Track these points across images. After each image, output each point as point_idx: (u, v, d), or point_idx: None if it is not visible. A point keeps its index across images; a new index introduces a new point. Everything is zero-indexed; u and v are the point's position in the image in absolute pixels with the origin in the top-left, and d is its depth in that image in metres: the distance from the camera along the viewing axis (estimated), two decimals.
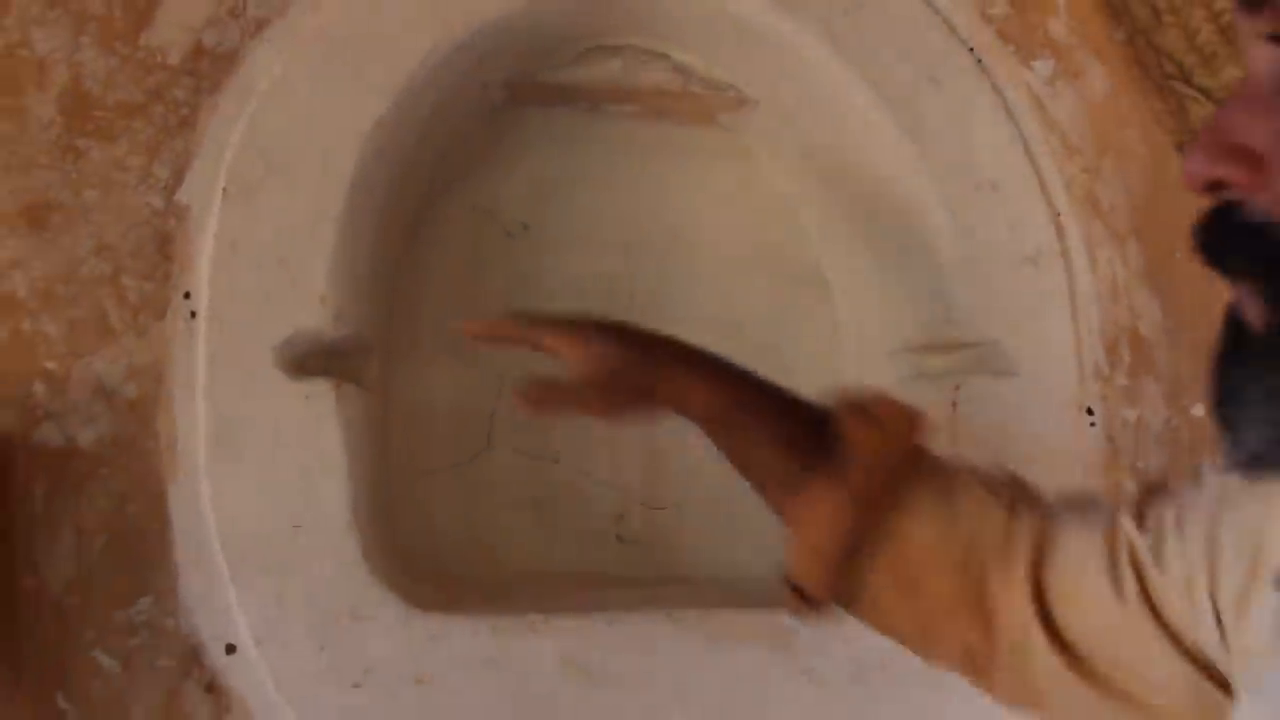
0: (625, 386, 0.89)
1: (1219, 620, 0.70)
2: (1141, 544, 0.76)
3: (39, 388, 1.05)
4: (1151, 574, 0.75)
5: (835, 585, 0.83)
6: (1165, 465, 1.30)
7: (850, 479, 0.82)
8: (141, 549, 1.06)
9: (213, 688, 1.07)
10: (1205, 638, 0.71)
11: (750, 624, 1.15)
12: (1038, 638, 0.78)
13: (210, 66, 1.11)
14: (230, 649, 1.07)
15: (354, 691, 1.08)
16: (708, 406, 0.90)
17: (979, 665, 0.82)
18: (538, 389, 0.90)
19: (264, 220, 1.10)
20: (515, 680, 1.10)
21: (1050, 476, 1.24)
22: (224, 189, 1.09)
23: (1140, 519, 0.78)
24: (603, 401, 0.90)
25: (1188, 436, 1.32)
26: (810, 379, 1.39)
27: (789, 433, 0.87)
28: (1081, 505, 0.84)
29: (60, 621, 1.04)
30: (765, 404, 0.91)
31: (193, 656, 1.07)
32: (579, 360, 0.89)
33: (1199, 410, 1.32)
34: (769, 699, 1.15)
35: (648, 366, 0.90)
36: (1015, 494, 0.85)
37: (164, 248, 1.09)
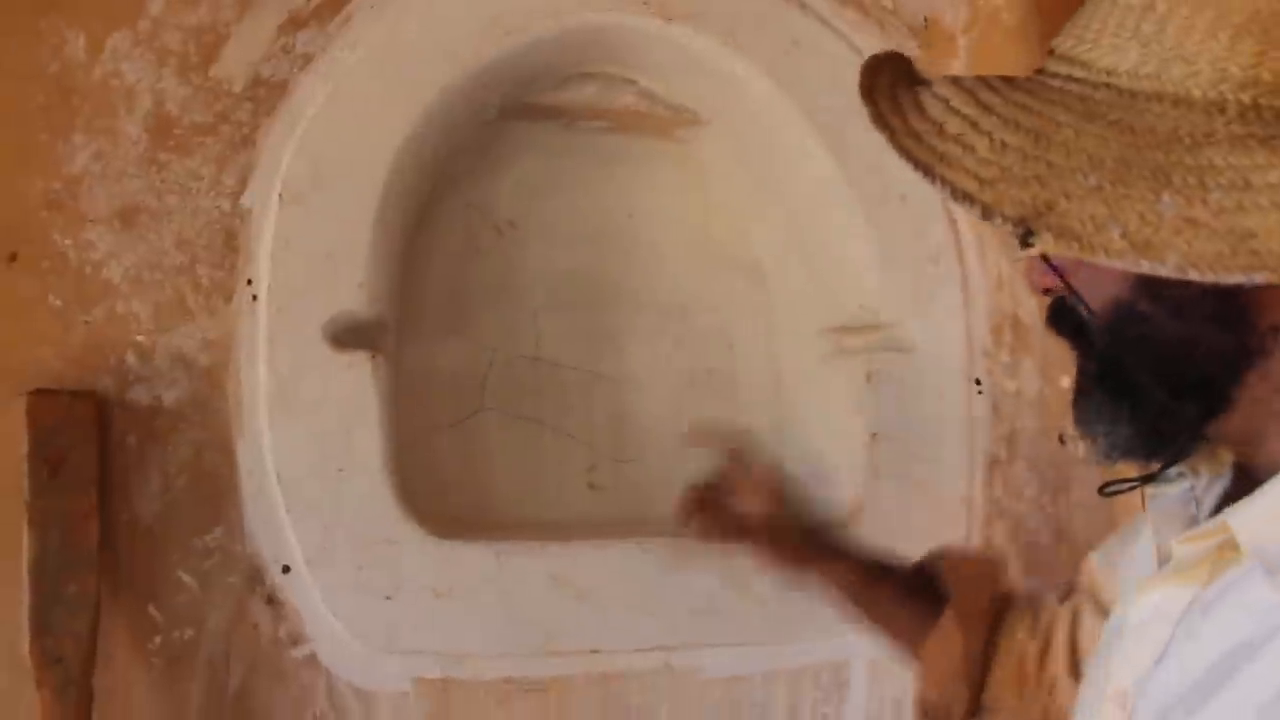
0: (785, 556, 1.27)
1: None
2: None
3: (131, 357, 1.29)
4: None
5: (972, 701, 1.12)
6: (1036, 426, 1.60)
7: (964, 622, 1.11)
8: (214, 488, 1.31)
9: (272, 600, 1.32)
10: None
11: (704, 548, 1.43)
12: None
13: (267, 94, 1.35)
14: (286, 569, 1.32)
15: (386, 603, 1.33)
16: (848, 584, 1.23)
17: None
18: (707, 518, 1.28)
19: (312, 220, 1.34)
20: (514, 594, 1.37)
21: (946, 434, 1.55)
22: (279, 195, 1.33)
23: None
24: (766, 559, 1.29)
25: (1056, 403, 1.61)
26: (748, 353, 1.68)
27: (907, 595, 1.19)
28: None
29: (150, 547, 1.28)
30: (887, 576, 1.23)
31: (256, 575, 1.32)
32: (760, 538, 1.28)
33: (1065, 382, 1.61)
34: (719, 611, 1.42)
35: (806, 552, 1.26)
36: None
37: (230, 242, 1.33)
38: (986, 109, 0.74)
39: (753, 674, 1.46)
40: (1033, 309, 1.60)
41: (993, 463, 1.57)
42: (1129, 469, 0.85)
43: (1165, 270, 0.66)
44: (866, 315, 1.58)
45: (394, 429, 1.39)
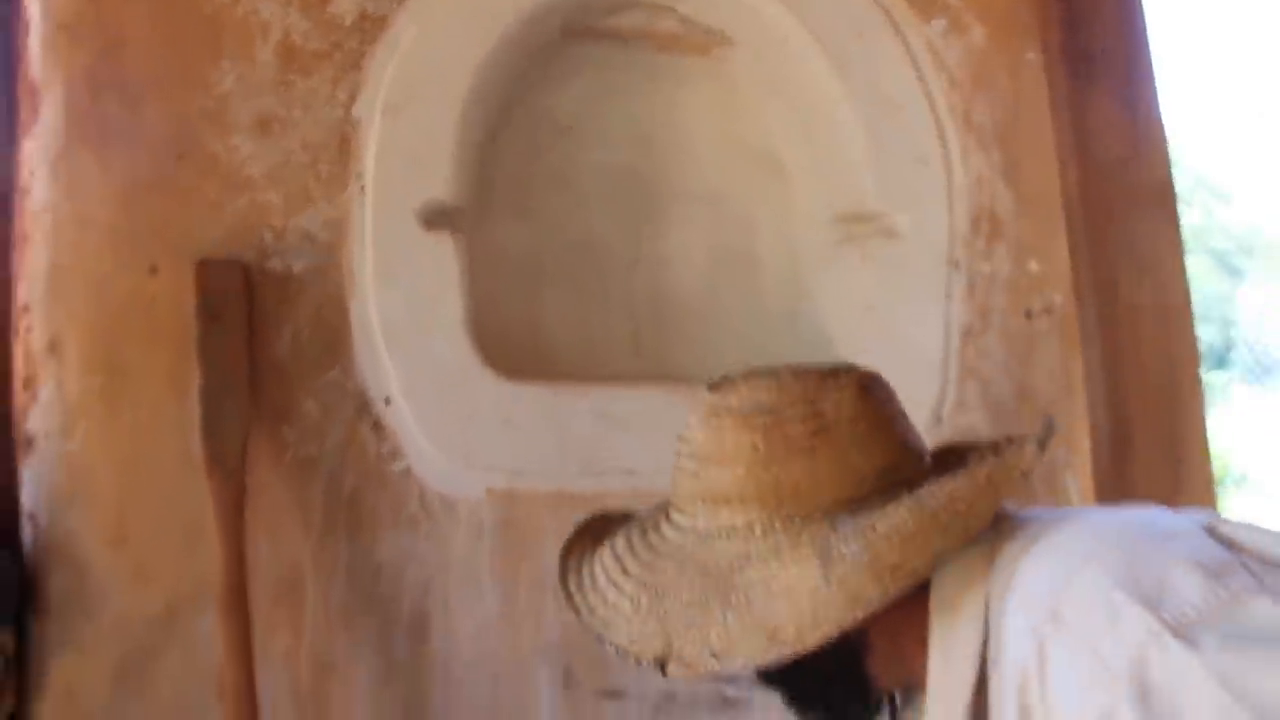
0: None
1: None
2: None
3: (267, 235, 1.66)
4: None
5: None
6: (1007, 303, 1.89)
7: None
8: (332, 337, 1.68)
9: (376, 425, 1.69)
10: None
11: None
12: None
13: (371, 26, 1.69)
14: (387, 401, 1.69)
15: (464, 429, 1.70)
16: None
17: None
18: None
19: (408, 128, 1.69)
20: (565, 424, 1.73)
21: (928, 304, 1.84)
22: (382, 108, 1.68)
23: None
24: None
25: (1024, 284, 1.90)
26: (768, 236, 1.99)
27: None
28: None
29: (284, 382, 1.66)
30: None
31: (364, 405, 1.69)
32: None
33: (1034, 266, 1.90)
34: None
35: None
36: None
37: (344, 146, 1.68)
38: (627, 574, 1.09)
39: None
40: (1008, 204, 1.89)
41: (966, 333, 1.87)
42: None
43: (736, 667, 0.99)
44: (867, 206, 1.88)
45: (471, 293, 1.73)
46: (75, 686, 1.55)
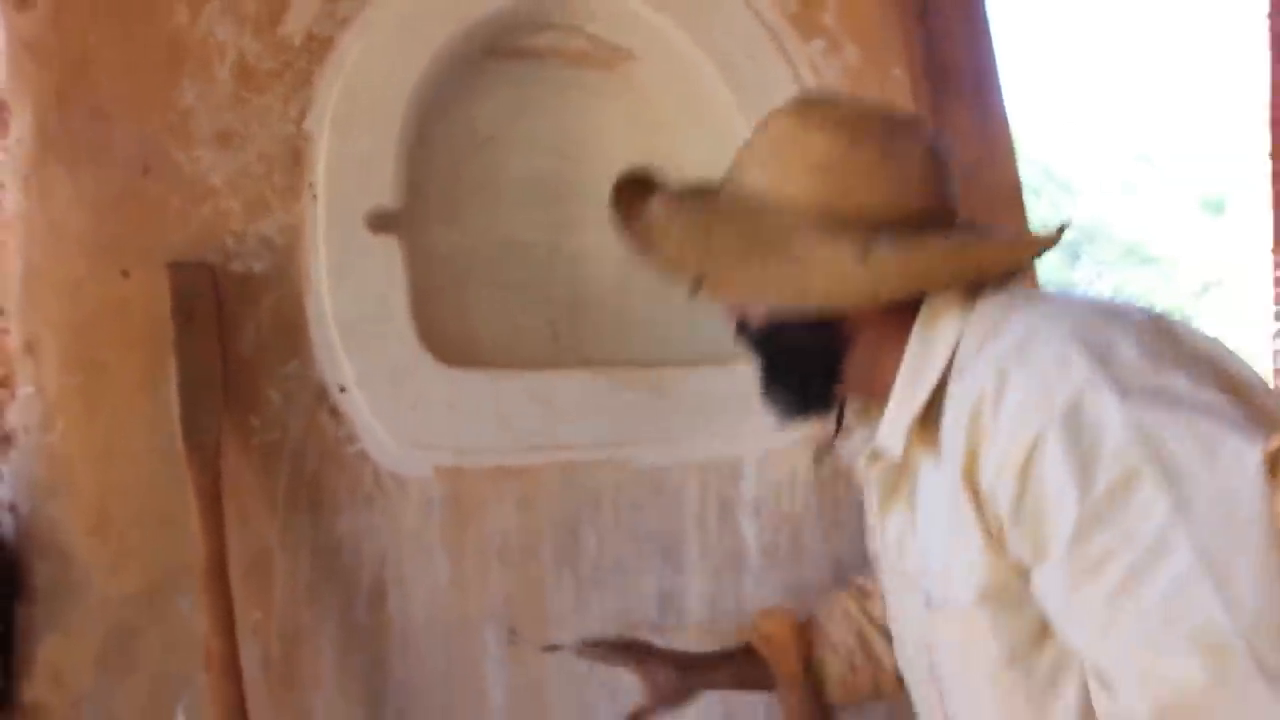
0: (678, 693, 1.72)
1: None
2: None
3: (229, 240, 1.80)
4: None
5: (815, 708, 1.67)
6: None
7: (789, 686, 1.67)
8: (292, 330, 1.82)
9: (334, 412, 1.85)
10: None
11: (637, 376, 1.98)
12: None
13: (319, 47, 1.84)
14: (342, 389, 1.85)
15: (412, 413, 1.87)
16: (725, 685, 1.75)
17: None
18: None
19: (355, 140, 1.85)
20: (503, 406, 1.92)
21: None
22: (330, 122, 1.84)
23: None
24: (672, 702, 1.72)
25: None
26: None
27: (750, 670, 1.71)
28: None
29: (248, 373, 1.80)
30: (737, 665, 1.74)
31: (322, 393, 1.84)
32: (652, 678, 1.71)
33: None
34: (649, 417, 1.98)
35: (683, 679, 1.72)
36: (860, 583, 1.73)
37: (297, 157, 1.84)
38: (680, 211, 1.31)
39: (672, 464, 2.02)
40: None
41: None
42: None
43: (759, 304, 1.25)
44: None
45: (414, 289, 1.91)
46: (61, 667, 1.68)
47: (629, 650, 1.74)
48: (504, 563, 1.92)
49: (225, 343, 1.78)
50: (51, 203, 1.72)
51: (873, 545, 1.49)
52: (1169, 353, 1.03)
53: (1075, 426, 0.98)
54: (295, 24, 1.84)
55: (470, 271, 2.11)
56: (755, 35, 2.08)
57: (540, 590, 1.94)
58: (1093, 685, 1.03)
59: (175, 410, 1.71)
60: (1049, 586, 1.03)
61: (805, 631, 1.70)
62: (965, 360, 1.15)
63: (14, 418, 1.71)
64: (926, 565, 1.23)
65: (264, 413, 1.82)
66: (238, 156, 1.81)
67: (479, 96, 2.12)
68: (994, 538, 1.08)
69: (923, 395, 1.18)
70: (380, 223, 1.87)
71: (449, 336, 2.00)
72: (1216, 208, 21.50)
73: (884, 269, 1.15)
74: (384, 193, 1.87)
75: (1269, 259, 3.12)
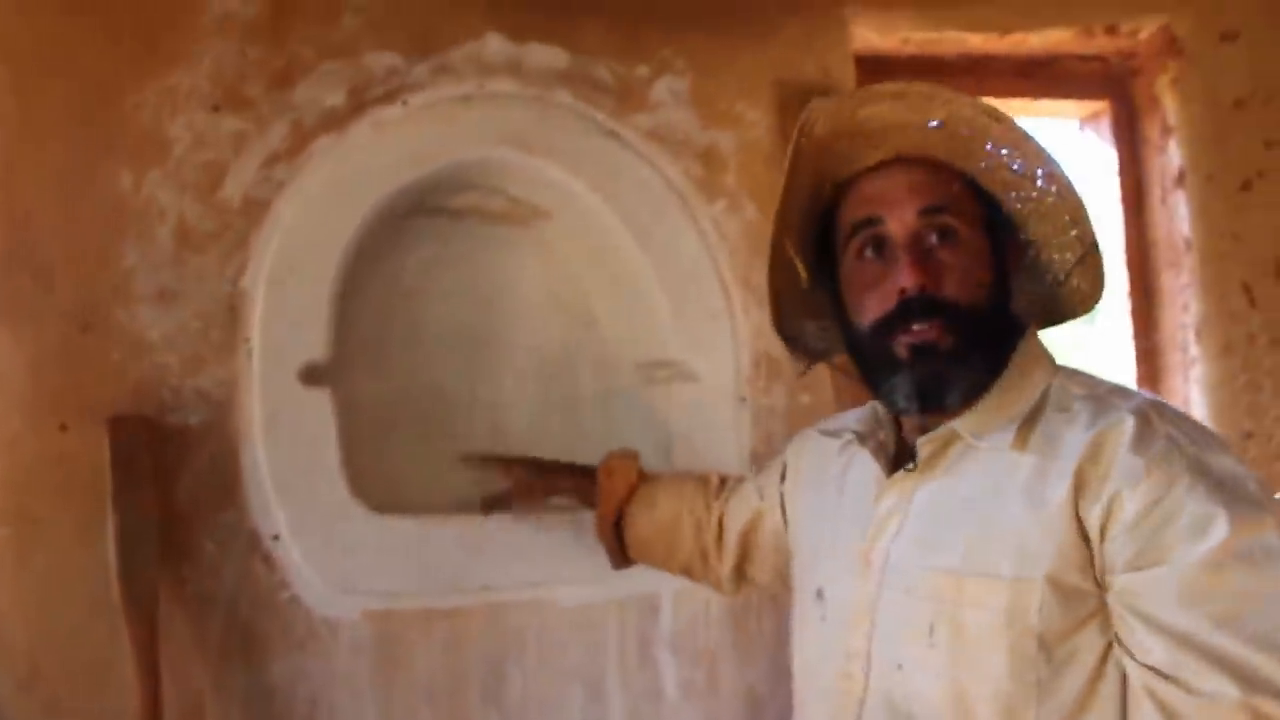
0: (536, 485, 1.94)
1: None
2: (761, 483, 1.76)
3: (166, 393, 1.87)
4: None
5: (616, 546, 1.87)
6: (784, 430, 2.28)
7: (604, 497, 1.85)
8: (227, 481, 1.89)
9: (267, 559, 1.90)
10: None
11: (557, 518, 2.08)
12: (719, 551, 1.77)
13: (256, 209, 1.94)
14: (276, 537, 1.91)
15: (343, 559, 1.94)
16: (566, 491, 1.95)
17: (694, 575, 1.84)
18: (489, 503, 1.98)
19: (289, 297, 1.94)
20: (430, 550, 1.99)
21: (722, 434, 2.20)
22: (266, 280, 1.93)
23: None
24: (526, 495, 1.98)
25: (796, 414, 2.30)
26: (587, 381, 2.32)
27: (588, 487, 1.91)
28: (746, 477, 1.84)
29: (184, 523, 1.86)
30: (580, 479, 1.96)
31: (255, 542, 1.90)
32: (514, 475, 1.98)
33: (805, 399, 2.31)
34: (571, 559, 2.07)
35: (538, 478, 1.96)
36: (723, 479, 1.86)
37: (233, 313, 1.92)
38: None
39: (594, 603, 2.10)
40: (781, 349, 2.29)
41: (753, 456, 2.25)
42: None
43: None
44: (668, 354, 2.25)
45: (344, 439, 1.98)
46: None
47: (502, 460, 2.07)
48: (432, 703, 1.97)
49: (162, 494, 1.83)
50: None
51: (817, 534, 1.54)
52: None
53: (1209, 474, 1.15)
54: (233, 188, 1.94)
55: (395, 419, 2.19)
56: (662, 196, 2.23)
57: None
58: (1153, 682, 1.13)
59: (112, 561, 1.74)
60: (1150, 585, 1.14)
61: (634, 483, 1.92)
62: (1059, 395, 1.30)
63: None
64: (947, 537, 1.29)
65: (199, 562, 1.86)
66: (176, 314, 1.89)
67: (404, 251, 2.22)
68: (1081, 535, 1.19)
69: (1024, 408, 1.29)
70: (312, 376, 1.95)
71: (377, 484, 2.06)
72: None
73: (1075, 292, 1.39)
74: (316, 347, 1.96)
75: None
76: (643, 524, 1.89)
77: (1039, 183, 1.33)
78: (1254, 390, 2.61)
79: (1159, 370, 2.74)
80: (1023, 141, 1.31)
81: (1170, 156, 2.68)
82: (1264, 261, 2.63)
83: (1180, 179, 2.65)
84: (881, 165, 1.35)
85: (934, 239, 1.30)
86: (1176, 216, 2.67)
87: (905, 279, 1.28)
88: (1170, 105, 2.68)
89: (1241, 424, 2.58)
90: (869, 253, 1.33)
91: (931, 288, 1.28)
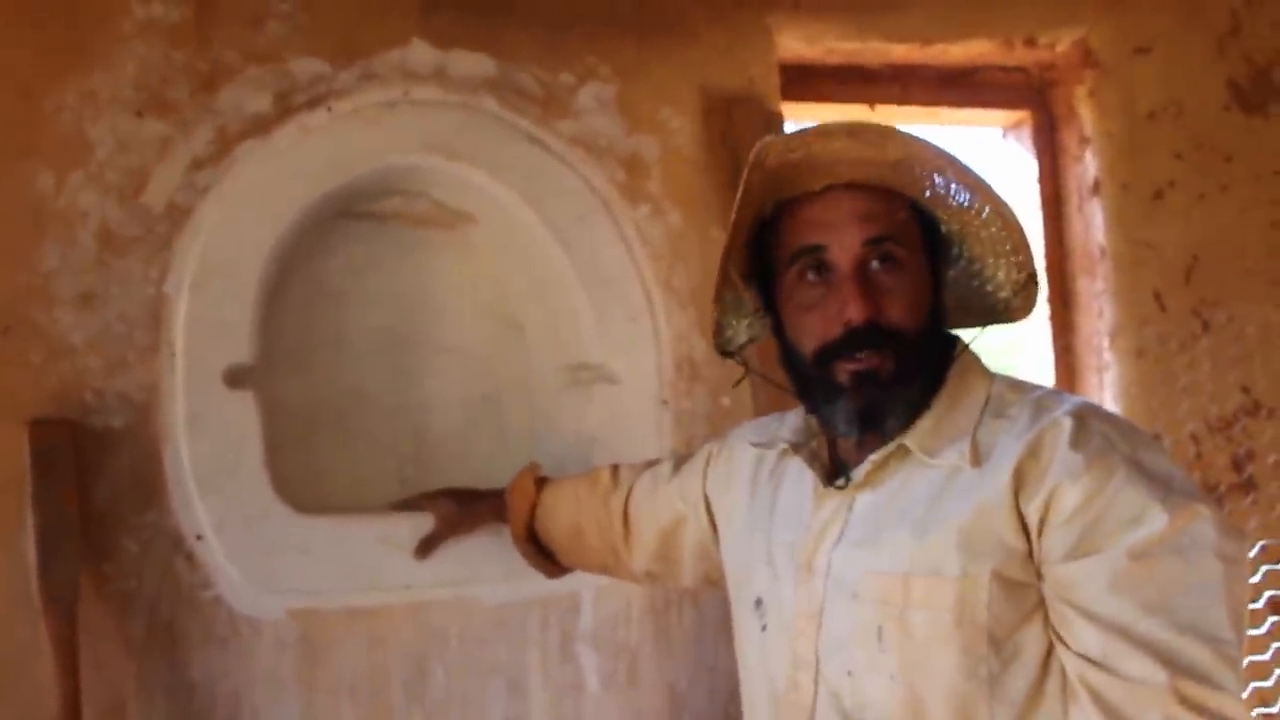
0: (459, 518, 2.01)
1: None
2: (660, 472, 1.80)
3: (89, 396, 1.89)
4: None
5: (540, 560, 1.94)
6: (706, 433, 2.33)
7: (511, 517, 1.93)
8: (149, 484, 1.91)
9: (190, 558, 1.92)
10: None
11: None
12: (627, 545, 1.82)
13: (180, 213, 1.96)
14: (199, 537, 1.93)
15: (265, 558, 1.96)
16: (487, 519, 2.03)
17: (613, 572, 1.90)
18: (423, 546, 2.06)
19: (212, 300, 1.96)
20: (352, 549, 2.02)
21: (644, 436, 2.25)
22: (189, 284, 1.95)
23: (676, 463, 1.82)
24: (452, 529, 2.05)
25: (717, 416, 2.35)
26: (510, 383, 2.35)
27: (500, 506, 1.98)
28: (650, 464, 1.87)
29: (104, 525, 1.87)
30: (497, 503, 2.02)
31: (178, 541, 1.92)
32: (439, 511, 2.05)
33: (725, 401, 2.36)
34: (492, 558, 2.10)
35: (463, 509, 2.05)
36: (614, 473, 1.89)
37: (156, 317, 1.94)
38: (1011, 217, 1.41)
39: (515, 601, 2.14)
40: (703, 352, 2.35)
41: (673, 455, 2.28)
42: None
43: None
44: (590, 357, 2.29)
45: (269, 441, 2.01)
46: None
47: (425, 496, 2.12)
48: (354, 700, 2.00)
49: (83, 495, 1.85)
50: None
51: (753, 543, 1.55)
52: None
53: (1144, 470, 1.20)
54: (157, 193, 1.96)
55: (319, 421, 2.22)
56: (586, 201, 2.26)
57: None
58: (1085, 670, 1.17)
59: (32, 560, 1.76)
60: (1083, 575, 1.18)
61: (534, 498, 1.98)
62: (997, 401, 1.34)
63: None
64: (891, 539, 1.31)
65: (120, 561, 1.88)
66: (99, 317, 1.90)
67: (329, 254, 2.25)
68: (1022, 530, 1.23)
69: (971, 421, 1.33)
70: (237, 378, 1.98)
71: (300, 484, 2.10)
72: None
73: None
74: (240, 350, 1.98)
75: None
76: (554, 533, 1.95)
77: (984, 214, 1.37)
78: (1164, 392, 2.70)
79: (1075, 373, 2.82)
80: (974, 182, 1.34)
81: (1087, 166, 2.76)
82: (1174, 269, 2.72)
83: (1096, 188, 2.73)
84: (826, 190, 1.36)
85: (877, 265, 1.32)
86: (1092, 225, 2.75)
87: (852, 310, 1.30)
88: (1087, 116, 2.76)
89: (1153, 425, 2.66)
90: (811, 275, 1.35)
91: (876, 317, 1.30)
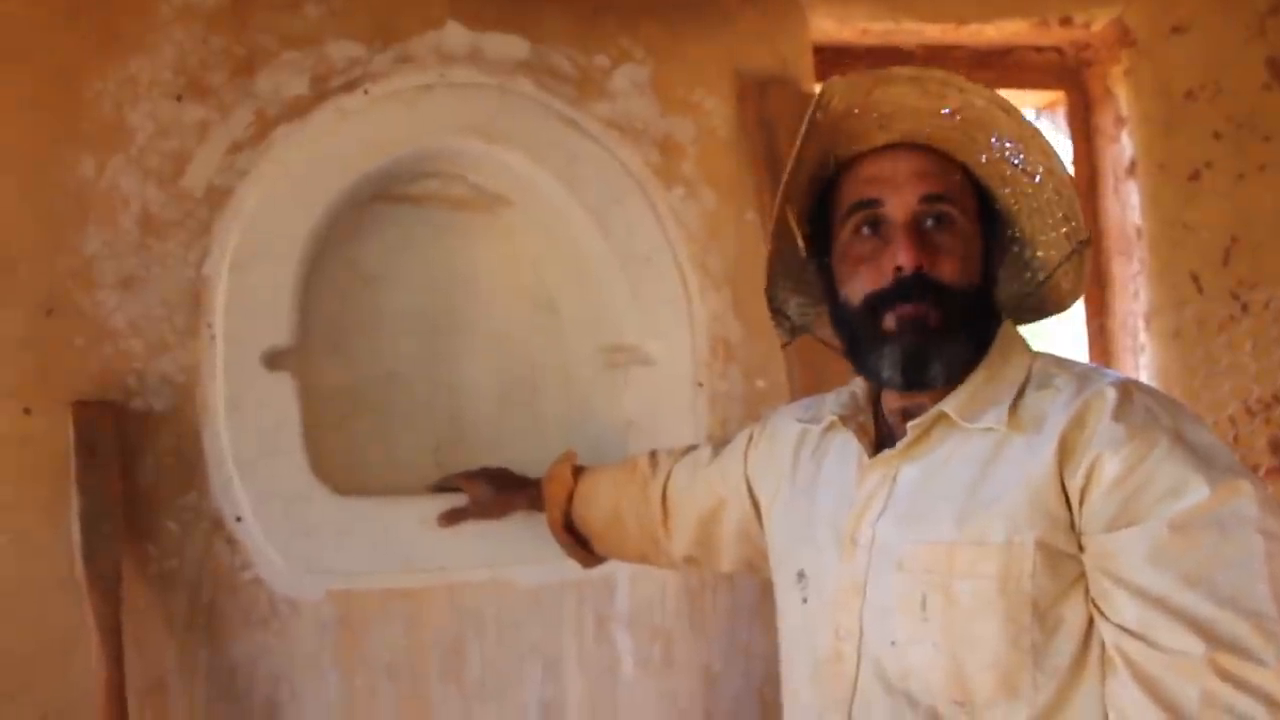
0: (493, 503, 2.00)
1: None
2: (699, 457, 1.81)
3: (131, 379, 1.90)
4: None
5: (577, 548, 1.94)
6: (741, 414, 2.33)
7: (548, 505, 1.93)
8: (189, 465, 1.93)
9: (230, 540, 1.94)
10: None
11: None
12: (667, 533, 1.82)
13: (218, 197, 1.98)
14: (239, 518, 1.95)
15: (305, 539, 1.98)
16: (521, 508, 2.03)
17: (652, 560, 1.90)
18: (449, 516, 2.05)
19: (252, 282, 1.98)
20: (390, 531, 2.04)
21: (679, 418, 2.25)
22: (229, 267, 1.97)
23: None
24: (484, 513, 2.05)
25: (753, 398, 2.35)
26: (546, 366, 2.36)
27: (536, 495, 1.98)
28: (688, 450, 1.88)
29: (148, 505, 1.90)
30: (534, 493, 2.02)
31: (218, 523, 1.94)
32: (474, 493, 2.04)
33: (760, 383, 2.36)
34: (528, 541, 2.11)
35: (499, 493, 2.04)
36: (652, 460, 1.90)
37: (196, 299, 1.95)
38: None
39: (551, 583, 2.16)
40: (738, 334, 2.35)
41: (710, 440, 2.27)
42: None
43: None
44: (626, 339, 2.29)
45: (306, 423, 2.02)
46: None
47: (462, 475, 2.12)
48: (392, 679, 2.02)
49: (125, 476, 1.87)
50: None
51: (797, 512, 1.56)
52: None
53: (1186, 443, 1.20)
54: (196, 176, 1.97)
55: (357, 403, 2.23)
56: (621, 184, 2.27)
57: (427, 705, 2.05)
58: (1123, 640, 1.17)
59: (76, 542, 1.78)
60: (1123, 545, 1.18)
61: (571, 486, 1.98)
62: (1040, 375, 1.35)
63: None
64: (936, 510, 1.31)
65: (162, 542, 1.90)
66: (140, 299, 1.92)
67: (365, 237, 2.26)
68: (1064, 500, 1.23)
69: (1011, 391, 1.34)
70: (276, 360, 1.99)
71: (338, 465, 2.11)
72: None
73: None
74: (279, 332, 2.00)
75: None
76: (592, 522, 1.95)
77: (1037, 178, 1.38)
78: (1201, 375, 2.68)
79: (1111, 355, 2.81)
80: (1029, 136, 1.36)
81: (1123, 146, 2.74)
82: (1212, 250, 2.70)
83: (1132, 169, 2.71)
84: (886, 148, 1.39)
85: (931, 223, 1.34)
86: (1128, 205, 2.73)
87: (902, 258, 1.32)
88: (1123, 96, 2.73)
89: (1190, 408, 2.63)
90: (866, 230, 1.37)
91: (927, 268, 1.32)
